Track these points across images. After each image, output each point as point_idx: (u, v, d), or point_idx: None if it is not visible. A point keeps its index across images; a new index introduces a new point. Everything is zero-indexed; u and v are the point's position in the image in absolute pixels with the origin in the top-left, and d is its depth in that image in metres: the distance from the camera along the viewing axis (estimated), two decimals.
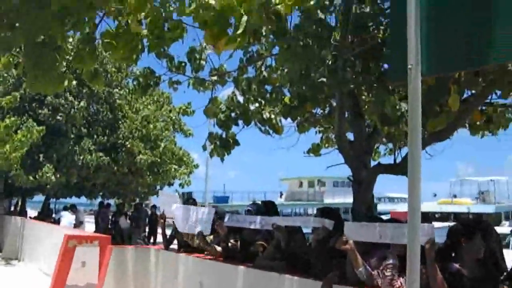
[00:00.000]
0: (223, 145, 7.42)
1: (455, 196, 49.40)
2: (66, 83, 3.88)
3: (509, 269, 3.96)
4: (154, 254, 7.99)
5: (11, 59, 4.86)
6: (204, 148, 7.94)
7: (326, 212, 5.39)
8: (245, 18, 2.78)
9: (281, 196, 57.60)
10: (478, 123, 7.82)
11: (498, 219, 39.86)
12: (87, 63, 4.06)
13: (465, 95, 6.58)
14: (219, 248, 6.73)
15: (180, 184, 25.38)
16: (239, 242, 6.57)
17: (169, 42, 4.63)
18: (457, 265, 4.15)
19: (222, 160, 7.66)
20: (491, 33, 2.59)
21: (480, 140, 9.23)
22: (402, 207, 47.91)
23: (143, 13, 3.90)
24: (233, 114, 7.36)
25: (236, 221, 6.42)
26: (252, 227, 6.16)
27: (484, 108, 7.49)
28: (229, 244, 6.54)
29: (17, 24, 3.00)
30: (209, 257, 6.86)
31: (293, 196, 56.90)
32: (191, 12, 4.26)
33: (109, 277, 7.77)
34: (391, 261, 4.26)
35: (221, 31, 2.89)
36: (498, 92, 6.69)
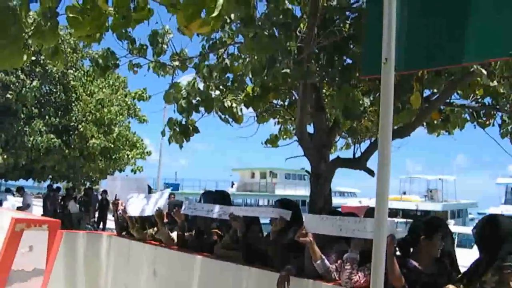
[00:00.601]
0: (182, 132, 7.30)
1: (404, 193, 50.59)
2: (25, 58, 3.70)
3: (466, 269, 4.03)
4: (106, 240, 7.78)
5: None
6: (163, 134, 7.79)
7: (285, 203, 5.35)
8: (221, 1, 2.70)
9: (232, 186, 57.76)
10: (436, 122, 7.95)
11: (445, 217, 41.00)
12: (48, 39, 3.88)
13: (425, 94, 6.67)
14: (173, 235, 6.61)
15: (132, 170, 25.13)
16: (194, 231, 6.48)
17: (134, 23, 4.47)
18: (414, 262, 4.21)
19: (181, 146, 7.54)
20: (467, 32, 2.60)
21: (430, 139, 9.46)
22: (353, 202, 48.73)
23: None
24: (194, 101, 7.25)
25: (194, 209, 6.30)
26: (209, 216, 6.07)
27: (442, 107, 7.61)
28: (186, 233, 6.44)
29: None
30: (163, 245, 6.74)
31: (245, 186, 57.09)
32: None
33: (58, 263, 7.53)
34: (352, 255, 4.27)
35: (195, 13, 2.79)
36: (459, 92, 6.83)
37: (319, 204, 6.77)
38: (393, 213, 40.38)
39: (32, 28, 3.86)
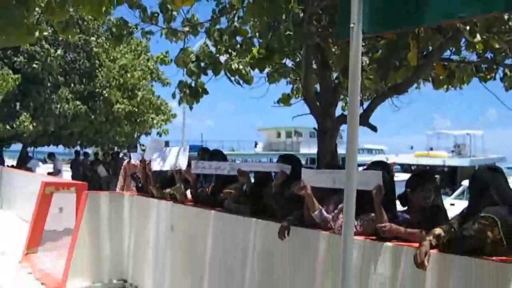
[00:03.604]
0: (192, 94, 7.61)
1: (431, 149, 50.16)
2: (37, 34, 4.04)
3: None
4: (128, 199, 8.24)
5: None
6: (173, 96, 8.12)
7: (286, 158, 5.68)
8: None
9: (255, 146, 58.29)
10: (441, 77, 8.08)
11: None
12: (58, 15, 4.21)
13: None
14: (187, 193, 6.98)
15: (158, 133, 25.62)
16: (209, 188, 6.81)
17: None
18: (406, 215, 4.51)
19: (191, 108, 7.91)
20: None
21: (460, 93, 9.59)
22: (381, 158, 48.60)
23: None
24: (202, 64, 7.52)
25: (203, 168, 6.64)
26: (218, 173, 6.40)
27: (446, 63, 7.75)
28: (198, 190, 6.81)
29: None
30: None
31: (271, 146, 57.45)
32: None
33: (85, 222, 8.02)
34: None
35: None
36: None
37: (326, 159, 7.06)
38: (420, 169, 40.13)
39: (43, 5, 4.19)
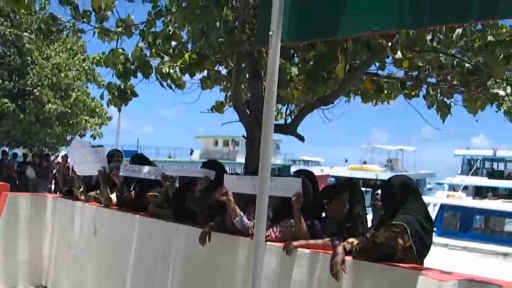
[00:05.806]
0: (120, 96, 7.50)
1: (365, 163, 51.60)
2: None
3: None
4: (50, 202, 8.00)
5: None
6: (101, 97, 8.00)
7: (210, 164, 5.70)
8: None
9: (191, 154, 58.11)
10: (370, 91, 8.30)
11: None
12: None
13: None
14: (113, 197, 6.87)
15: (91, 136, 25.02)
16: (133, 192, 6.75)
17: None
18: (320, 224, 4.62)
19: (119, 110, 7.80)
20: (342, 8, 2.92)
21: (400, 108, 9.83)
22: (316, 170, 49.47)
23: None
24: (132, 66, 7.41)
25: (132, 171, 6.58)
26: (146, 177, 6.36)
27: (375, 78, 7.97)
28: (124, 194, 6.71)
29: None
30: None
31: (208, 154, 57.04)
32: None
33: (2, 224, 7.72)
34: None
35: None
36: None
37: (253, 167, 7.08)
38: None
39: None
